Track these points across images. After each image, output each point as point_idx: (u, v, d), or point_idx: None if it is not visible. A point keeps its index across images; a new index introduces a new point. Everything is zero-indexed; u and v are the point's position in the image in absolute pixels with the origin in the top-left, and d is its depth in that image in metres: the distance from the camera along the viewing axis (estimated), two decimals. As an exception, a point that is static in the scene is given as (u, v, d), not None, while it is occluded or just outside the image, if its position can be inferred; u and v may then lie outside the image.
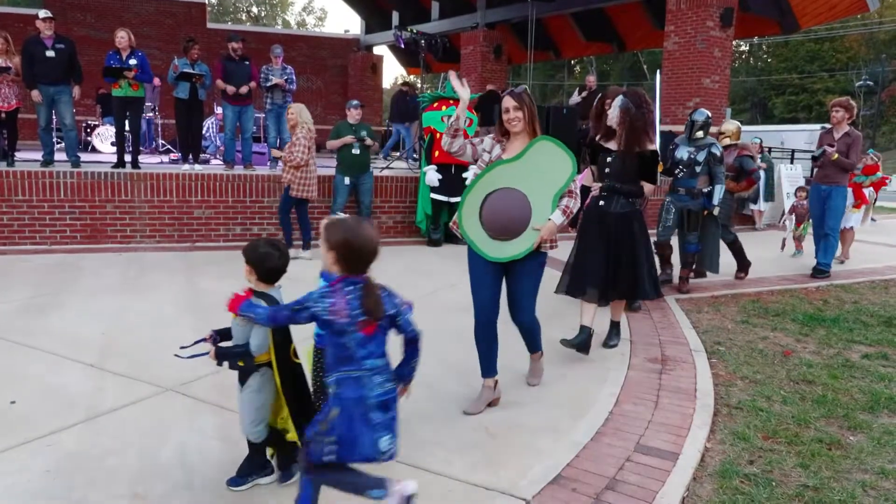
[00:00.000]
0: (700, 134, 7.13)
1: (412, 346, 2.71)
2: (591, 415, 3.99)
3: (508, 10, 18.44)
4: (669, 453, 3.53)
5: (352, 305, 2.48)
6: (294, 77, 10.83)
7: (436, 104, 9.88)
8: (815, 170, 8.53)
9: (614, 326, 5.42)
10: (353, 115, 9.14)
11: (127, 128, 9.57)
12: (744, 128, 9.01)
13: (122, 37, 9.14)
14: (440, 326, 5.47)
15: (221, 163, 10.87)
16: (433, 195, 9.72)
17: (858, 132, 8.20)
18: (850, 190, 9.07)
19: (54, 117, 9.38)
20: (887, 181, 11.14)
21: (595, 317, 5.03)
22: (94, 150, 14.07)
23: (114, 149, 10.12)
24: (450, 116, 9.42)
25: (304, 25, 67.84)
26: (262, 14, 66.77)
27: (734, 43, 16.86)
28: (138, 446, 3.36)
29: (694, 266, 7.57)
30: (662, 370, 4.82)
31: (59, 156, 9.47)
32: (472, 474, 3.20)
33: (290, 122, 8.29)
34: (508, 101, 3.91)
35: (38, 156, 9.25)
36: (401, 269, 7.87)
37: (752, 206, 13.70)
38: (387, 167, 11.56)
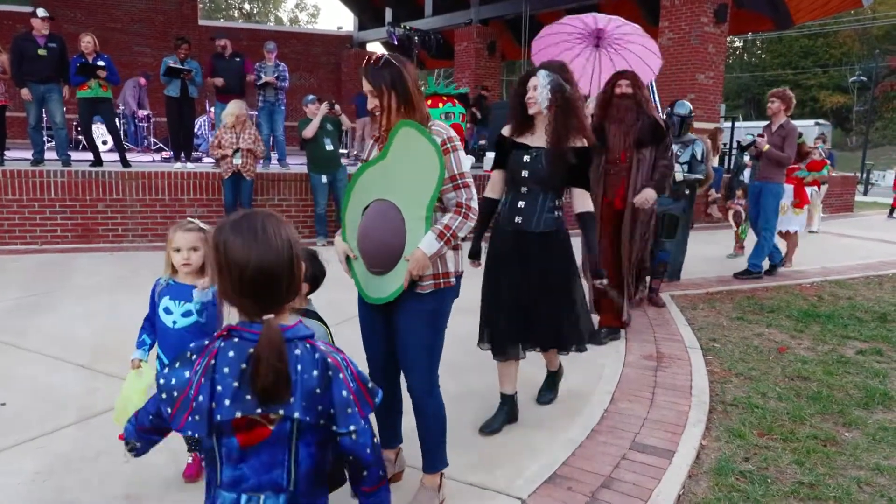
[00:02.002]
0: (685, 130, 6.88)
1: (364, 489, 1.72)
2: (586, 413, 3.97)
3: (503, 6, 18.40)
4: (665, 451, 3.52)
5: (219, 385, 1.53)
6: (287, 74, 10.78)
7: (430, 101, 9.79)
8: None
9: (550, 377, 4.18)
10: (312, 111, 9.09)
11: (94, 129, 9.51)
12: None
13: (89, 42, 9.07)
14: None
15: (214, 161, 10.81)
16: None
17: (794, 125, 7.80)
18: (790, 187, 8.66)
19: (44, 116, 9.31)
20: (824, 181, 10.20)
21: (517, 375, 3.86)
22: (84, 148, 13.94)
23: (105, 147, 10.06)
24: (447, 114, 9.52)
25: (296, 22, 67.41)
26: (255, 11, 66.42)
27: (728, 39, 16.87)
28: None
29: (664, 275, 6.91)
30: (658, 367, 4.80)
31: (50, 154, 9.41)
32: (467, 474, 3.18)
33: (239, 119, 8.43)
34: (364, 85, 2.75)
35: (28, 155, 9.19)
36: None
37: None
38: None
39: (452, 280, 2.84)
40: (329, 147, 8.92)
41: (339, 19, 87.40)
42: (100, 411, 3.74)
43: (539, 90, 3.54)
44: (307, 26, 61.97)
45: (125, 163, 9.34)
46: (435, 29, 18.47)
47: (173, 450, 3.28)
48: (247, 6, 66.66)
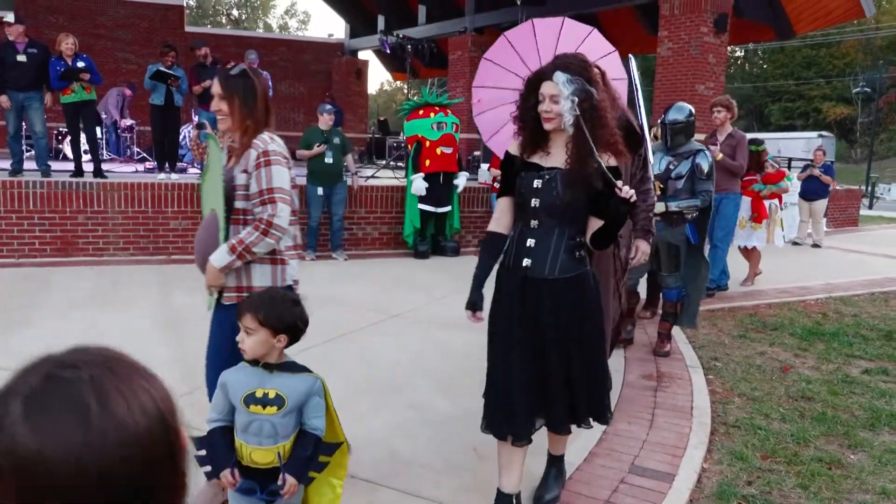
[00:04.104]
0: (682, 139, 5.58)
1: None
2: (584, 434, 3.85)
3: (497, 14, 18.31)
4: (665, 474, 3.44)
5: None
6: (271, 83, 10.65)
7: (421, 111, 9.69)
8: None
9: (553, 464, 3.30)
10: (325, 121, 8.97)
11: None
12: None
13: (71, 44, 8.90)
14: (427, 342, 5.36)
15: (198, 171, 10.72)
16: (421, 205, 9.49)
17: (743, 133, 7.69)
18: (747, 200, 8.30)
19: (24, 124, 9.18)
20: (785, 192, 9.72)
21: (523, 469, 3.09)
22: (65, 158, 13.60)
23: (85, 157, 9.95)
24: (440, 123, 9.46)
25: (286, 29, 67.43)
26: (243, 17, 66.44)
27: (729, 49, 16.85)
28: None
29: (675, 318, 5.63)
30: (658, 387, 4.72)
31: (29, 165, 9.27)
32: (460, 497, 3.12)
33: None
34: (215, 87, 2.85)
35: (6, 165, 9.02)
36: (386, 282, 7.79)
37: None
38: (372, 176, 11.44)
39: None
40: (329, 160, 8.81)
41: (329, 26, 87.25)
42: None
43: (562, 102, 2.73)
44: (297, 33, 61.81)
45: (99, 173, 9.12)
46: (428, 37, 18.44)
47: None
48: (235, 12, 66.74)
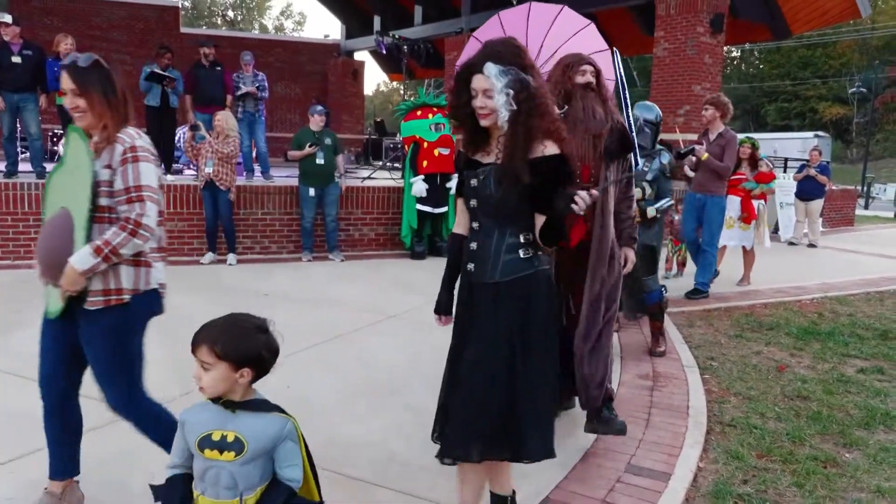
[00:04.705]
0: (651, 139, 5.48)
1: None
2: (580, 434, 3.87)
3: (494, 14, 18.33)
4: (661, 473, 3.45)
5: None
6: (266, 84, 10.65)
7: (419, 112, 9.67)
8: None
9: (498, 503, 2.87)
10: (316, 122, 8.97)
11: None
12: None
13: (70, 45, 8.90)
14: (424, 343, 5.35)
15: (194, 173, 10.72)
16: (419, 206, 9.50)
17: (734, 133, 7.45)
18: (736, 200, 8.14)
19: (19, 126, 9.16)
20: (772, 192, 9.61)
21: (483, 490, 2.83)
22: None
23: None
24: (437, 125, 9.46)
25: (281, 30, 67.25)
26: (239, 18, 66.25)
27: (725, 49, 16.86)
28: (107, 472, 3.24)
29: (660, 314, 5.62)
30: (654, 387, 4.72)
31: (24, 166, 9.26)
32: (455, 498, 3.09)
33: (217, 128, 8.26)
34: (65, 83, 2.66)
35: (1, 167, 9.02)
36: (383, 283, 7.79)
37: None
38: (368, 177, 11.42)
39: (126, 297, 2.66)
40: (319, 161, 8.80)
41: (325, 27, 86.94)
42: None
43: (495, 96, 2.50)
44: (293, 34, 61.46)
45: None
46: (424, 38, 18.40)
47: (151, 477, 3.18)
48: (230, 13, 66.56)
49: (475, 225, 2.70)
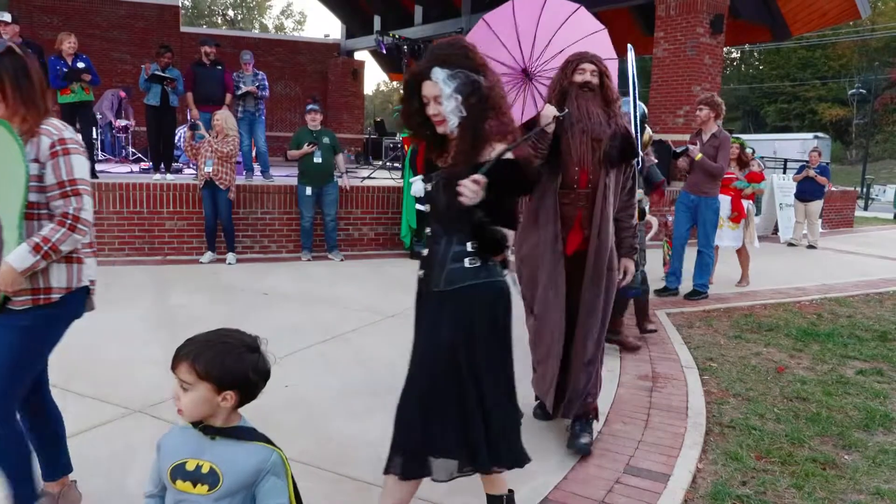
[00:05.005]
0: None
1: None
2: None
3: (494, 14, 18.32)
4: (660, 474, 3.44)
5: None
6: (266, 83, 10.64)
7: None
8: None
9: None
10: (312, 119, 8.96)
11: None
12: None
13: (73, 44, 8.90)
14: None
15: (194, 172, 10.72)
16: (418, 206, 9.45)
17: (727, 133, 7.41)
18: (726, 199, 8.02)
19: None
20: (762, 193, 9.52)
21: None
22: None
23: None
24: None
25: (282, 29, 67.06)
26: (239, 17, 66.09)
27: (725, 50, 16.84)
28: (104, 472, 3.24)
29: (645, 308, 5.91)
30: (653, 388, 4.71)
31: None
32: (453, 498, 3.09)
33: (216, 127, 8.25)
34: None
35: None
36: (382, 283, 7.79)
37: None
38: (368, 177, 11.40)
39: (54, 297, 2.54)
40: (317, 160, 8.79)
41: (326, 27, 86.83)
42: (70, 434, 3.63)
43: (444, 102, 2.42)
44: (293, 34, 61.35)
45: (93, 174, 9.06)
46: (425, 38, 18.38)
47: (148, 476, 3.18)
48: (230, 13, 66.40)
49: (427, 230, 2.62)
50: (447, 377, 2.47)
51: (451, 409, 2.48)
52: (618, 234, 3.72)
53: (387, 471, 2.55)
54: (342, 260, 9.08)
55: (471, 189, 2.28)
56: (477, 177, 2.29)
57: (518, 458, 2.63)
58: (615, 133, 3.59)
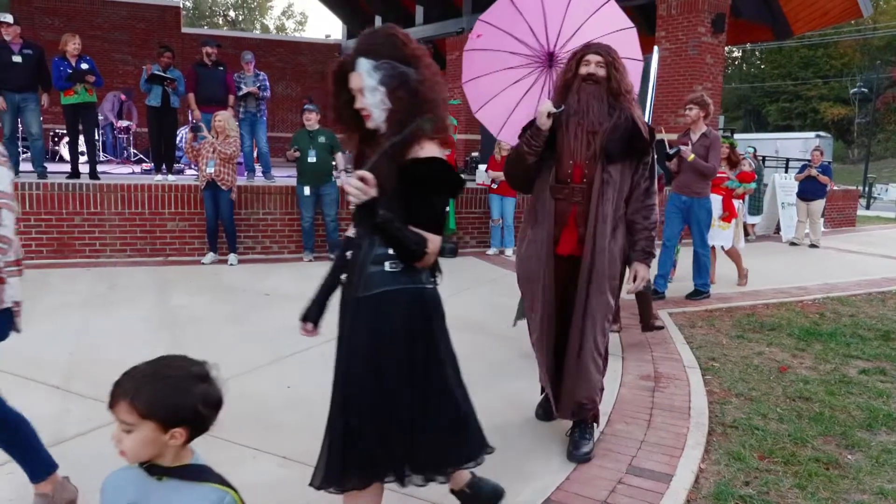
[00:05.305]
0: None
1: None
2: (582, 435, 3.87)
3: (496, 14, 18.30)
4: (663, 475, 3.43)
5: None
6: (267, 83, 10.63)
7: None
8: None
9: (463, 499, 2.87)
10: (307, 118, 8.94)
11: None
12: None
13: (77, 44, 8.89)
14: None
15: (195, 173, 10.71)
16: None
17: (717, 133, 7.31)
18: (718, 198, 7.98)
19: (20, 126, 9.14)
20: (751, 192, 9.48)
21: None
22: (61, 160, 13.66)
23: (82, 158, 9.97)
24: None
25: (283, 30, 67.03)
26: (240, 18, 66.14)
27: (726, 49, 16.83)
28: (105, 472, 3.21)
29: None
30: (655, 387, 4.70)
31: (25, 166, 9.26)
32: (454, 499, 3.08)
33: (217, 128, 8.25)
34: None
35: None
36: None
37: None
38: None
39: None
40: (312, 160, 8.75)
41: (327, 27, 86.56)
42: (72, 435, 3.64)
43: (366, 95, 2.27)
44: (294, 34, 61.32)
45: (94, 175, 9.13)
46: (426, 38, 18.40)
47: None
48: (232, 13, 66.46)
49: (351, 232, 2.47)
50: (364, 389, 2.33)
51: (371, 424, 2.34)
52: (631, 237, 3.57)
53: (315, 485, 2.44)
54: (343, 260, 9.04)
55: (355, 186, 2.14)
56: (363, 173, 2.15)
57: (459, 459, 2.53)
58: (616, 126, 3.44)
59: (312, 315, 2.59)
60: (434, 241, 2.29)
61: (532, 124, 3.54)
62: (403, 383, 2.32)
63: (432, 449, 2.40)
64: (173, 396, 1.60)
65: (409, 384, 2.33)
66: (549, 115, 3.41)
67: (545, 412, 4.02)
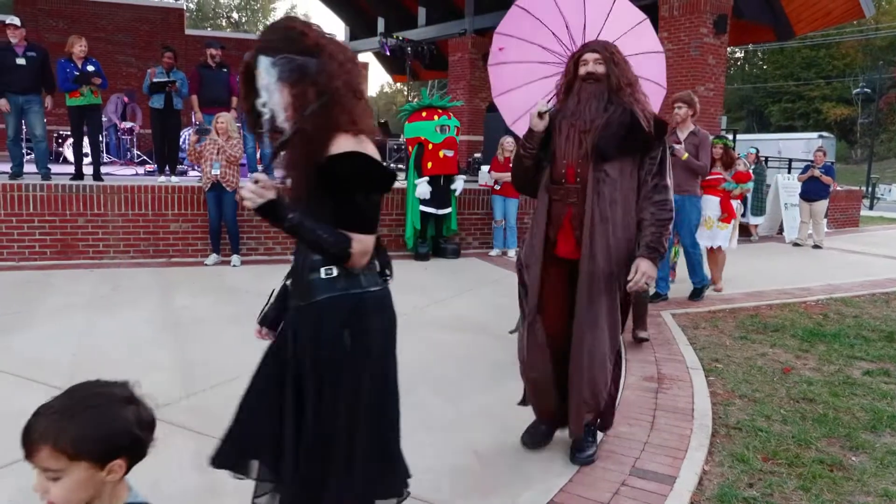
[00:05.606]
0: None
1: None
2: (585, 437, 3.86)
3: (497, 16, 18.10)
4: (666, 477, 3.42)
5: None
6: None
7: (424, 113, 9.62)
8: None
9: None
10: None
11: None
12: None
13: (83, 46, 8.92)
14: (428, 345, 5.34)
15: (199, 174, 10.71)
16: (422, 208, 9.47)
17: (706, 132, 7.25)
18: (716, 199, 7.90)
19: (24, 128, 9.15)
20: (748, 192, 9.44)
21: None
22: (65, 161, 13.70)
23: (86, 159, 9.99)
24: (443, 126, 9.43)
25: None
26: (243, 20, 66.20)
27: (729, 50, 16.82)
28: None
29: None
30: (658, 389, 4.69)
31: (29, 168, 9.27)
32: (460, 500, 3.09)
33: (220, 129, 8.24)
34: None
35: (6, 168, 9.02)
36: (388, 283, 7.75)
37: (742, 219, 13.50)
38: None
39: None
40: None
41: (329, 29, 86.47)
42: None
43: (264, 95, 2.11)
44: (297, 36, 61.38)
45: (98, 176, 9.14)
46: (428, 39, 18.39)
47: (153, 479, 3.17)
48: (235, 15, 66.51)
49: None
50: (293, 405, 2.19)
51: (288, 436, 2.19)
52: (638, 233, 3.36)
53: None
54: (346, 261, 9.03)
55: (250, 190, 2.00)
56: (257, 175, 2.02)
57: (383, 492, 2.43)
58: (608, 122, 3.31)
59: (268, 320, 2.49)
60: (362, 240, 2.11)
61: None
62: (324, 401, 2.15)
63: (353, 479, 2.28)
64: (103, 426, 1.41)
65: (328, 402, 2.16)
66: (540, 115, 3.38)
67: (532, 439, 3.72)
